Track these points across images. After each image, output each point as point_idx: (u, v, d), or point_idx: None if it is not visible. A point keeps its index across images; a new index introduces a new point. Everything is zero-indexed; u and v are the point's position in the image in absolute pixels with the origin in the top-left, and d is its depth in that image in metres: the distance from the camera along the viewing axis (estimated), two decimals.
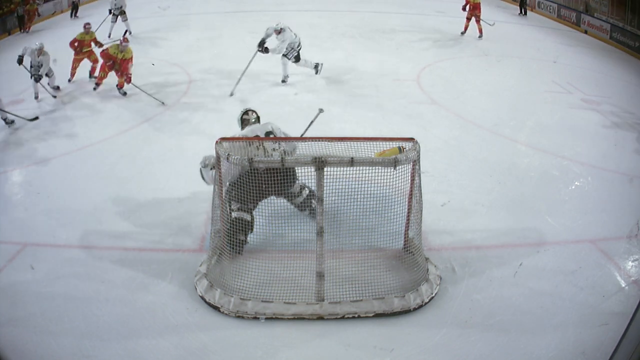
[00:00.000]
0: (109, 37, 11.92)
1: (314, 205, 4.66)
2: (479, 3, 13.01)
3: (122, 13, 12.65)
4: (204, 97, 8.62)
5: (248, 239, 4.57)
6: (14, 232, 4.98)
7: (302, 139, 4.37)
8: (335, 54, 11.34)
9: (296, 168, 4.52)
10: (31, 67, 8.58)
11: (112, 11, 12.56)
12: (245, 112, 5.13)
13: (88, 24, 9.81)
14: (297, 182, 4.71)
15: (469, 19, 13.12)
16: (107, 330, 3.80)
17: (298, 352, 3.69)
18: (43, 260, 4.55)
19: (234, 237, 4.32)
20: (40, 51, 8.58)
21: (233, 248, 4.32)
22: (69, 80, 9.46)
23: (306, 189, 4.84)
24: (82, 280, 4.30)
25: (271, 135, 4.82)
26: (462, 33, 13.23)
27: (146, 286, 4.25)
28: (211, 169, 4.66)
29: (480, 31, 13.03)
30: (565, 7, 16.26)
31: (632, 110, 8.55)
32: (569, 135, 7.47)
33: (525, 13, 17.08)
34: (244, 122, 5.08)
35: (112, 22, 12.66)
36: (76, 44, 9.43)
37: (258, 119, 5.12)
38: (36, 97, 8.79)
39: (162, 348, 3.67)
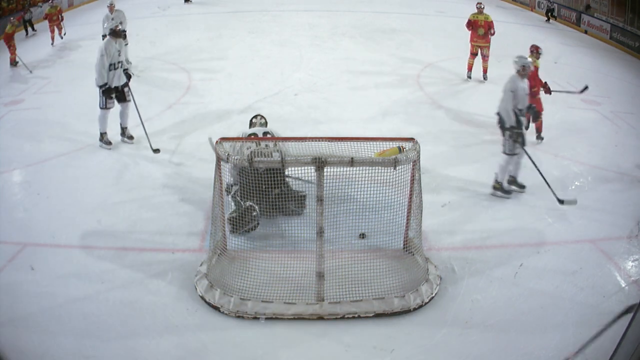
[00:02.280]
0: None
1: (293, 207, 4.93)
2: (492, 22, 9.61)
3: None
4: (203, 97, 8.61)
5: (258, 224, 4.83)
6: (14, 232, 4.98)
7: (302, 139, 4.38)
8: (335, 54, 11.35)
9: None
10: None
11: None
12: (255, 116, 5.83)
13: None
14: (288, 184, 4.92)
15: (474, 55, 9.67)
16: (107, 330, 3.80)
17: (298, 352, 3.69)
18: (43, 260, 4.55)
19: (248, 217, 4.61)
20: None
21: (247, 224, 4.59)
22: None
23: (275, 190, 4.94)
24: (82, 280, 4.30)
25: (268, 135, 5.29)
26: (469, 77, 9.78)
27: (146, 286, 4.25)
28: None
29: (486, 70, 9.70)
30: (565, 7, 16.27)
31: (632, 110, 8.55)
32: (569, 135, 7.47)
33: (549, 19, 16.55)
34: (251, 124, 5.73)
35: None
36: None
37: (265, 124, 5.70)
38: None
39: (162, 348, 3.67)
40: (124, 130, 6.95)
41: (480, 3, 9.57)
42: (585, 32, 15.05)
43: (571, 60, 11.82)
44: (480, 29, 9.44)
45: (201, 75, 9.70)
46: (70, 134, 7.24)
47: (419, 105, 8.39)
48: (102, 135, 6.80)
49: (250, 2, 17.04)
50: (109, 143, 6.78)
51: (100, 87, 6.51)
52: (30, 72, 10.17)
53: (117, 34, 6.51)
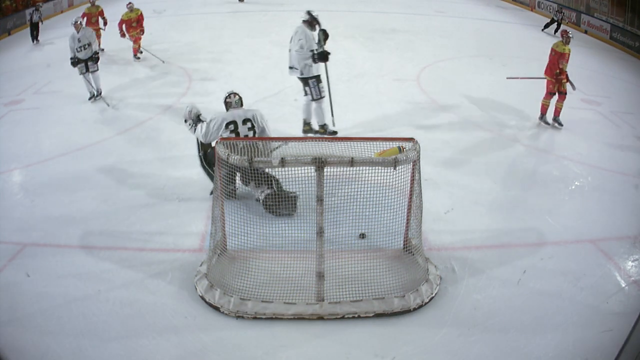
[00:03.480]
0: (93, 98, 8.47)
1: (271, 203, 4.96)
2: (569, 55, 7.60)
3: (94, 58, 8.35)
4: (203, 97, 8.60)
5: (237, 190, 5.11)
6: (14, 232, 4.98)
7: (302, 139, 4.38)
8: (335, 54, 11.31)
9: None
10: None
11: (77, 53, 8.22)
12: (228, 95, 5.43)
13: None
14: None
15: (552, 94, 7.69)
16: (107, 330, 3.80)
17: (298, 352, 3.69)
18: (43, 260, 4.55)
19: (227, 186, 4.54)
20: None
21: (229, 194, 4.52)
22: None
23: (266, 190, 4.98)
24: (82, 280, 4.30)
25: (248, 123, 5.18)
26: (546, 122, 7.81)
27: (146, 286, 4.25)
28: (187, 121, 5.50)
29: (560, 111, 7.71)
30: (565, 7, 16.26)
31: (632, 110, 8.56)
32: (569, 135, 7.48)
33: (556, 28, 14.31)
34: (226, 105, 5.40)
35: (81, 73, 8.32)
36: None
37: (240, 101, 5.40)
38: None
39: (162, 348, 3.68)
40: (318, 127, 6.95)
41: (569, 32, 7.81)
42: (585, 32, 15.05)
43: (571, 61, 11.80)
44: (565, 64, 7.61)
45: (201, 75, 9.71)
46: (70, 134, 7.25)
47: (419, 105, 8.40)
48: (324, 127, 6.89)
49: (250, 2, 17.05)
50: (334, 133, 6.91)
51: (314, 57, 6.52)
52: (163, 62, 10.41)
53: (312, 24, 6.61)
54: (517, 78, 8.84)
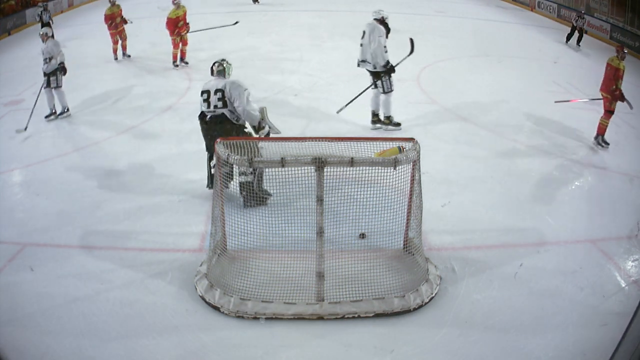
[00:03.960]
0: (53, 115, 7.75)
1: (244, 193, 5.05)
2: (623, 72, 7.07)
3: (57, 73, 7.63)
4: None
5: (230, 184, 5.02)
6: (14, 232, 4.98)
7: (302, 139, 4.37)
8: (335, 54, 11.34)
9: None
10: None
11: (42, 66, 7.67)
12: (213, 63, 5.48)
13: None
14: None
15: (611, 113, 7.15)
16: (107, 330, 3.80)
17: (298, 352, 3.69)
18: (43, 260, 4.55)
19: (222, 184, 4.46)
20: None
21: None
22: None
23: (252, 175, 5.00)
24: (82, 280, 4.30)
25: (219, 93, 5.16)
26: (603, 144, 7.14)
27: (146, 286, 4.25)
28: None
29: (605, 129, 7.17)
30: (565, 7, 16.27)
31: (632, 110, 8.53)
32: (569, 135, 7.48)
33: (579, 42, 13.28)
34: (211, 72, 5.49)
35: (44, 87, 7.71)
36: None
37: (222, 72, 5.40)
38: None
39: (162, 348, 3.68)
40: (383, 118, 7.32)
41: (624, 47, 7.44)
42: (586, 32, 15.04)
43: (571, 60, 11.83)
44: (620, 81, 7.15)
45: (201, 76, 9.66)
46: (70, 134, 7.25)
47: (419, 105, 8.40)
48: (389, 118, 7.30)
49: (250, 2, 17.03)
50: (398, 124, 7.27)
51: (385, 66, 7.10)
52: (237, 22, 10.79)
53: (384, 23, 7.27)
54: (567, 101, 8.67)
